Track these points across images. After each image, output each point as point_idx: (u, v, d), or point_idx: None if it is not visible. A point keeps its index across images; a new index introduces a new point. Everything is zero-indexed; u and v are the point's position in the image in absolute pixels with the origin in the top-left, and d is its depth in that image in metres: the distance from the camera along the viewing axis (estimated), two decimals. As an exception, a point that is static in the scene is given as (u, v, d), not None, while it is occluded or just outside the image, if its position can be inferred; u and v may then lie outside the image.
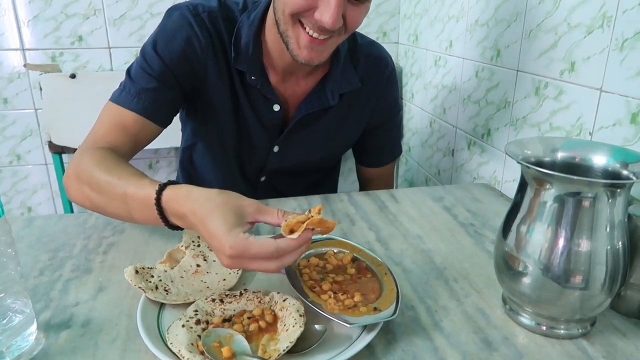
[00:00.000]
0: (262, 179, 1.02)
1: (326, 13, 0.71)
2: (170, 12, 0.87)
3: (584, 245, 0.52)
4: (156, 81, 0.82)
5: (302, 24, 0.76)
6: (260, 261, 0.54)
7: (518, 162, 0.53)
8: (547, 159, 0.59)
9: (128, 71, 0.85)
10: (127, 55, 1.55)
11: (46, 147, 1.58)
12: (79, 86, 1.50)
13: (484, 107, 1.14)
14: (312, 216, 0.55)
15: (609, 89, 0.77)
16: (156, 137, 0.86)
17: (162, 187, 0.62)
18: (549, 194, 0.52)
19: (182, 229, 0.65)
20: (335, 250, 0.68)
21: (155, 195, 0.62)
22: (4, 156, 1.59)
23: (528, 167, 0.52)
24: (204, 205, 0.57)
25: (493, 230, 0.82)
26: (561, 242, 0.52)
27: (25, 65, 1.51)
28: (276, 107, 0.90)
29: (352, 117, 0.98)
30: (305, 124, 0.93)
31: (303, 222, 0.55)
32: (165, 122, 0.86)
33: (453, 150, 1.32)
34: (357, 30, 0.97)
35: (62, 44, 1.51)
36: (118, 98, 0.82)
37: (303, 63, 0.80)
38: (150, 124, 0.83)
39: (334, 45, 0.81)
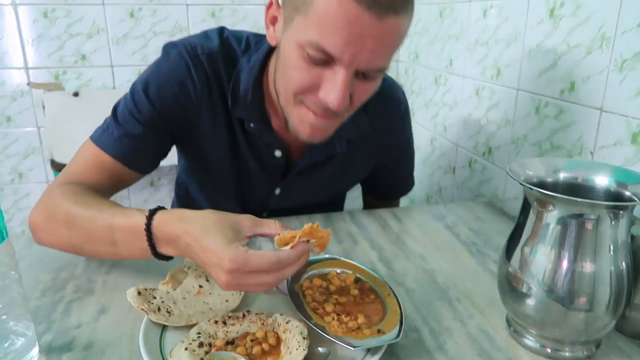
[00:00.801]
0: (264, 215, 0.99)
1: (331, 93, 0.64)
2: (167, 50, 0.80)
3: (588, 266, 0.52)
4: (142, 127, 0.77)
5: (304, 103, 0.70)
6: (259, 275, 0.53)
7: (520, 184, 0.54)
8: (549, 179, 0.59)
9: (115, 110, 0.79)
10: (129, 74, 1.57)
11: (48, 165, 1.58)
12: (82, 104, 1.51)
13: (485, 125, 1.14)
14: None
15: (609, 108, 0.77)
16: (138, 180, 0.82)
17: (153, 212, 0.61)
18: (552, 216, 0.53)
19: (169, 259, 0.64)
20: (338, 271, 0.68)
21: (145, 221, 0.61)
22: (6, 174, 1.60)
23: (530, 189, 0.52)
24: (199, 224, 0.57)
25: (495, 249, 0.82)
26: (565, 264, 0.52)
27: (28, 84, 1.52)
28: (278, 153, 0.85)
29: (359, 159, 0.93)
30: (310, 170, 0.88)
31: (296, 236, 0.55)
32: (147, 170, 0.82)
33: (454, 167, 1.32)
34: None
35: (65, 63, 1.52)
36: (99, 139, 0.77)
37: (305, 140, 0.73)
38: (130, 171, 0.78)
39: (340, 121, 0.74)
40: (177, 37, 1.62)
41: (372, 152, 0.93)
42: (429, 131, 1.47)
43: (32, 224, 0.72)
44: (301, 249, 0.55)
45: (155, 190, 1.70)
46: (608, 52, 0.77)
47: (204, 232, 0.55)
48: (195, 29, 1.56)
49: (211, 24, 1.56)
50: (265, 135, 0.82)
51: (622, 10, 0.74)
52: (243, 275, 0.53)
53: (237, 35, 0.83)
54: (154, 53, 1.56)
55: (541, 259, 0.53)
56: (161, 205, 0.65)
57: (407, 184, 1.07)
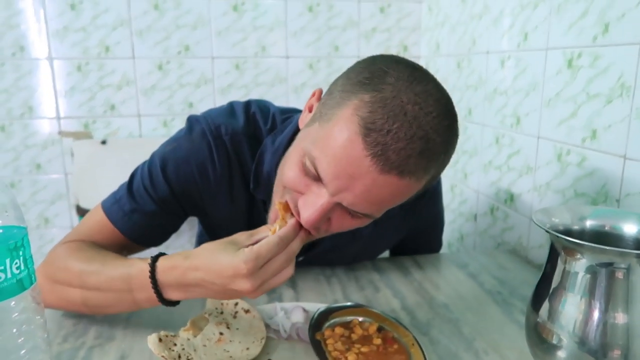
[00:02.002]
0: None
1: (307, 209, 0.60)
2: (191, 125, 0.77)
3: (620, 317, 0.50)
4: (155, 205, 0.75)
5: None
6: (275, 262, 0.56)
7: (546, 232, 0.53)
8: (575, 227, 0.58)
9: (131, 179, 0.77)
10: (155, 123, 1.62)
11: (73, 211, 1.62)
12: (109, 152, 1.56)
13: (506, 173, 1.14)
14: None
15: (632, 156, 0.77)
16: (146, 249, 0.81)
17: (155, 259, 0.62)
18: (580, 265, 0.52)
19: (176, 304, 0.64)
20: (360, 319, 0.67)
21: (149, 269, 0.61)
22: (33, 219, 1.63)
23: (557, 237, 0.52)
24: (202, 256, 0.59)
25: (521, 299, 0.80)
26: (596, 315, 0.50)
27: (59, 133, 1.58)
28: None
29: (386, 235, 0.89)
30: (333, 249, 0.85)
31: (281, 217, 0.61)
32: (156, 244, 0.80)
33: (476, 215, 1.31)
34: None
35: (95, 113, 1.59)
36: (109, 209, 0.75)
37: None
38: (137, 245, 0.78)
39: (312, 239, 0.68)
40: (202, 89, 1.68)
41: (400, 228, 0.89)
42: (449, 178, 1.47)
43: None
44: (293, 220, 0.58)
45: (177, 236, 1.71)
46: (628, 101, 0.77)
47: (209, 260, 0.58)
48: (220, 80, 1.62)
49: (235, 76, 1.62)
50: None
51: (640, 60, 0.75)
52: (262, 272, 0.56)
53: (264, 110, 0.80)
54: (179, 103, 1.62)
55: (571, 310, 0.52)
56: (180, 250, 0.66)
57: (435, 248, 1.04)
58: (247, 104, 0.80)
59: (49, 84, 1.54)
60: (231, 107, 0.80)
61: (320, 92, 0.67)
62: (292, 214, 0.61)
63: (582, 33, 0.87)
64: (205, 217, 0.83)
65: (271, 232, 0.60)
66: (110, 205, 0.76)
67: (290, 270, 0.58)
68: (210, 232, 0.90)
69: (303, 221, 0.61)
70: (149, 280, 0.61)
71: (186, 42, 1.58)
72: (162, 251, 0.66)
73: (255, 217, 0.79)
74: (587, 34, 0.86)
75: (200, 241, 1.06)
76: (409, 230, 0.91)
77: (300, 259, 0.87)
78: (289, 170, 0.63)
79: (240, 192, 0.78)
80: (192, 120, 0.77)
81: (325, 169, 0.57)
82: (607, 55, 0.81)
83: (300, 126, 0.68)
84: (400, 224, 0.87)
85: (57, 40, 1.51)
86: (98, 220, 0.76)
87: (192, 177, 0.75)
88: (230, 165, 0.76)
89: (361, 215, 0.61)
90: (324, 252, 0.85)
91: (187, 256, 0.60)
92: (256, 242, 0.59)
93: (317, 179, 0.59)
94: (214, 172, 0.75)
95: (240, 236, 0.61)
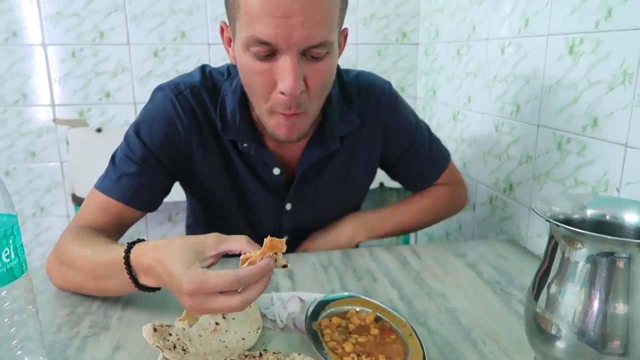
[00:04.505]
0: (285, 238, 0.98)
1: (285, 81, 0.67)
2: (154, 93, 0.85)
3: (621, 308, 0.49)
4: (137, 166, 0.80)
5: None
6: (221, 296, 0.53)
7: (546, 220, 0.52)
8: (576, 216, 0.57)
9: (113, 157, 0.83)
10: (151, 111, 1.60)
11: (69, 199, 1.60)
12: (104, 140, 1.54)
13: (505, 162, 1.13)
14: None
15: (634, 144, 0.76)
16: (141, 218, 0.85)
17: (131, 245, 0.63)
18: (581, 254, 0.51)
19: (154, 290, 0.65)
20: (357, 309, 0.66)
21: (124, 254, 0.63)
22: (28, 208, 1.62)
23: (557, 226, 0.51)
24: (165, 251, 0.58)
25: (520, 289, 0.79)
26: (596, 305, 0.50)
27: (54, 120, 1.56)
28: (276, 171, 0.87)
29: (359, 156, 0.93)
30: (312, 176, 0.90)
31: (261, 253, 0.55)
32: (148, 208, 0.84)
33: (474, 204, 1.30)
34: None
35: (90, 100, 1.57)
36: (101, 185, 0.81)
37: (285, 141, 0.77)
38: (131, 209, 0.81)
39: (309, 116, 0.76)
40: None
41: (371, 147, 0.93)
42: (448, 167, 1.46)
43: (47, 270, 0.77)
44: (263, 263, 0.54)
45: (174, 224, 1.71)
46: (631, 88, 0.76)
47: (169, 259, 0.57)
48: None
49: (232, 63, 1.60)
50: (259, 154, 0.84)
51: (643, 46, 0.73)
52: (205, 298, 0.54)
53: (220, 68, 0.88)
54: (175, 90, 1.60)
55: (571, 299, 0.51)
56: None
57: (438, 163, 1.01)
58: (203, 67, 0.88)
59: (43, 71, 1.52)
60: (189, 72, 0.88)
61: (224, 23, 0.76)
62: (274, 253, 0.56)
63: (584, 18, 0.85)
64: (187, 176, 0.88)
65: (241, 261, 0.56)
66: (101, 182, 0.82)
67: (236, 308, 0.54)
68: (197, 201, 0.94)
69: (287, 91, 0.67)
70: (124, 265, 0.63)
71: (182, 28, 1.56)
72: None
73: (232, 163, 0.86)
74: (589, 19, 0.84)
75: (187, 226, 1.06)
76: (385, 147, 0.94)
77: (288, 205, 0.91)
78: (252, 78, 0.70)
79: (210, 140, 0.84)
80: (155, 90, 0.86)
81: (264, 31, 0.65)
82: (609, 40, 0.80)
83: (233, 62, 0.76)
84: (369, 141, 0.92)
85: (51, 25, 1.49)
86: (94, 200, 0.81)
87: (163, 133, 0.82)
88: (195, 115, 0.83)
89: (321, 52, 0.68)
90: (304, 179, 0.88)
91: (155, 247, 0.61)
92: (222, 251, 0.59)
93: (271, 54, 0.67)
94: (181, 124, 0.82)
95: (209, 239, 0.59)
